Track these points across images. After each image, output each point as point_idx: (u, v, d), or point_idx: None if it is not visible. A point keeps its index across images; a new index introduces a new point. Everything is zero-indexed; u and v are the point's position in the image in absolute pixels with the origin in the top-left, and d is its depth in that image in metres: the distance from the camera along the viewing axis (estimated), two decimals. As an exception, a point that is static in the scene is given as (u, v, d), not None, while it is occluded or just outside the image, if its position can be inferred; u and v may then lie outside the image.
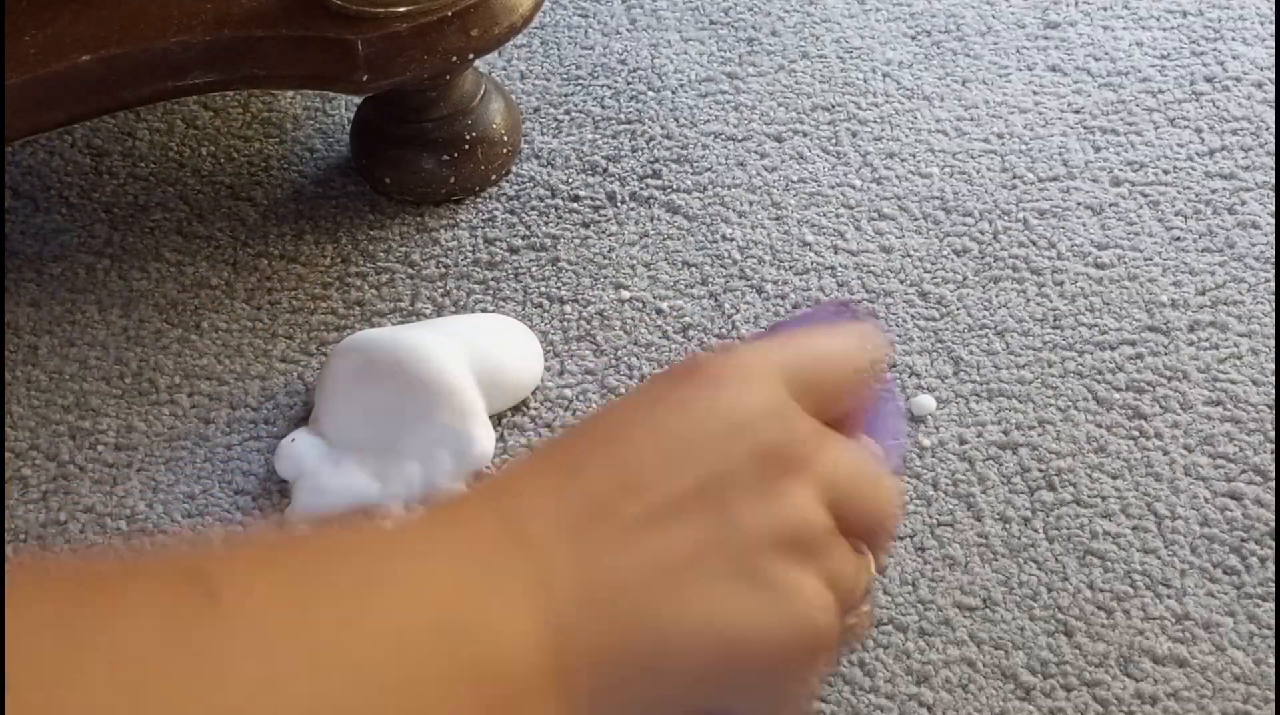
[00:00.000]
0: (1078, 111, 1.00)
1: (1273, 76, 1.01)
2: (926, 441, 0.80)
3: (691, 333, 0.87)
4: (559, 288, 0.90)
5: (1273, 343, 0.84)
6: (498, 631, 0.35)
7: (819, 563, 0.39)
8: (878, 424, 0.45)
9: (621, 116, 1.01)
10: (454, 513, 0.39)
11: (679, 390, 0.41)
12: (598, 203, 0.95)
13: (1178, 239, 0.91)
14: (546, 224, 0.94)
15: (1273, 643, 0.71)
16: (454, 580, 0.35)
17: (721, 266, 0.91)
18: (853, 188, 0.95)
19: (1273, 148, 0.96)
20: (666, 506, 0.38)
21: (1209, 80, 1.01)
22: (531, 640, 0.35)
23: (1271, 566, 0.74)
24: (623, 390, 0.84)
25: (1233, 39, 1.04)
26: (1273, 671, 0.70)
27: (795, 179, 0.96)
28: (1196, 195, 0.94)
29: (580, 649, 0.36)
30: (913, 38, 1.06)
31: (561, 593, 0.36)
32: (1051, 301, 0.87)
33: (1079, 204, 0.93)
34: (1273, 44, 1.04)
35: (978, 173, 0.96)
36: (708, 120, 1.00)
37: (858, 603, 0.41)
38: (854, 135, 0.99)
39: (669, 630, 0.37)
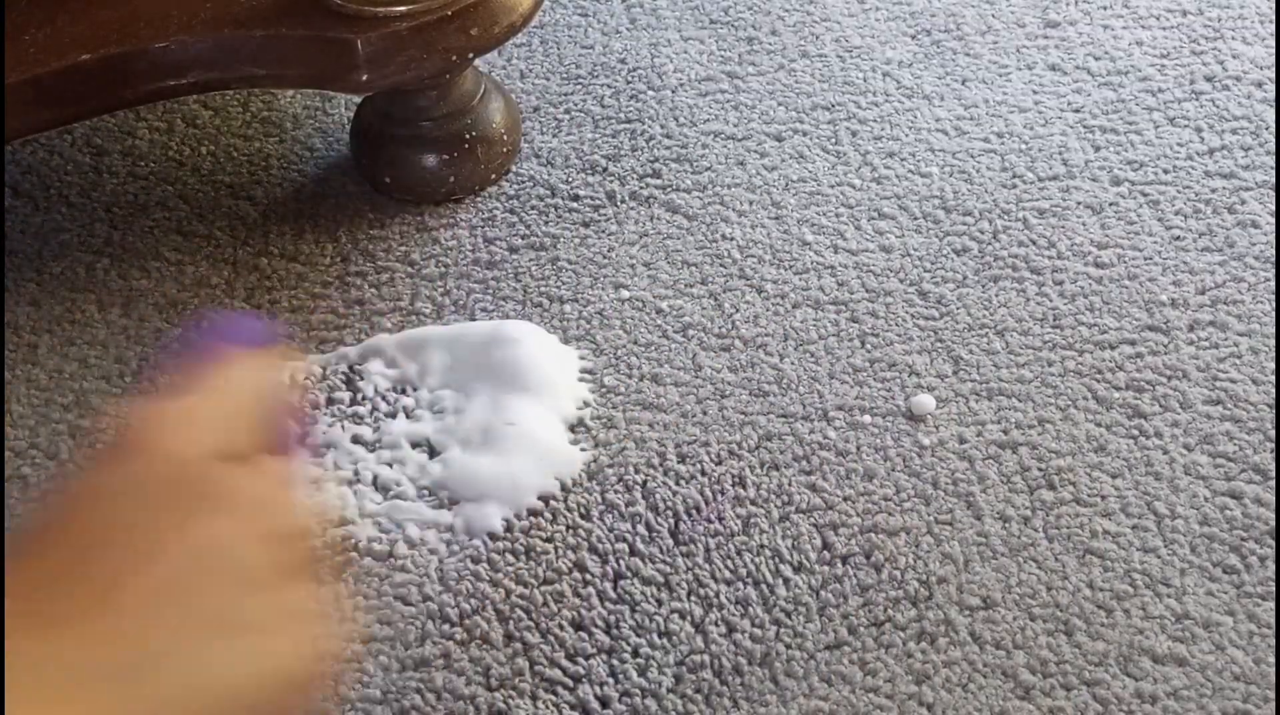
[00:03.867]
0: (1077, 110, 1.00)
1: (1273, 75, 1.01)
2: (926, 441, 0.80)
3: (691, 332, 0.87)
4: (559, 287, 0.90)
5: (1273, 342, 0.84)
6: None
7: (267, 596, 0.41)
8: (288, 438, 0.46)
9: (621, 116, 1.01)
10: None
11: (102, 495, 0.42)
12: (597, 202, 0.95)
13: (1177, 238, 0.91)
14: (546, 223, 0.94)
15: (1272, 642, 0.71)
16: None
17: (721, 266, 0.91)
18: (853, 187, 0.95)
19: (1273, 147, 0.96)
20: (175, 552, 0.40)
21: (1209, 79, 1.01)
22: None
23: (1271, 566, 0.74)
24: (621, 389, 0.84)
25: (1233, 38, 1.04)
26: (1272, 671, 0.70)
27: (795, 178, 0.96)
28: (1196, 194, 0.94)
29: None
30: (913, 37, 1.06)
31: (104, 670, 0.38)
32: (1051, 301, 0.87)
33: (1079, 203, 0.93)
34: (1273, 43, 1.04)
35: (977, 172, 0.96)
36: (708, 119, 1.00)
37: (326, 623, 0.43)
38: (854, 134, 0.99)
39: (208, 694, 0.39)
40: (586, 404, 0.83)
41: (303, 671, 0.41)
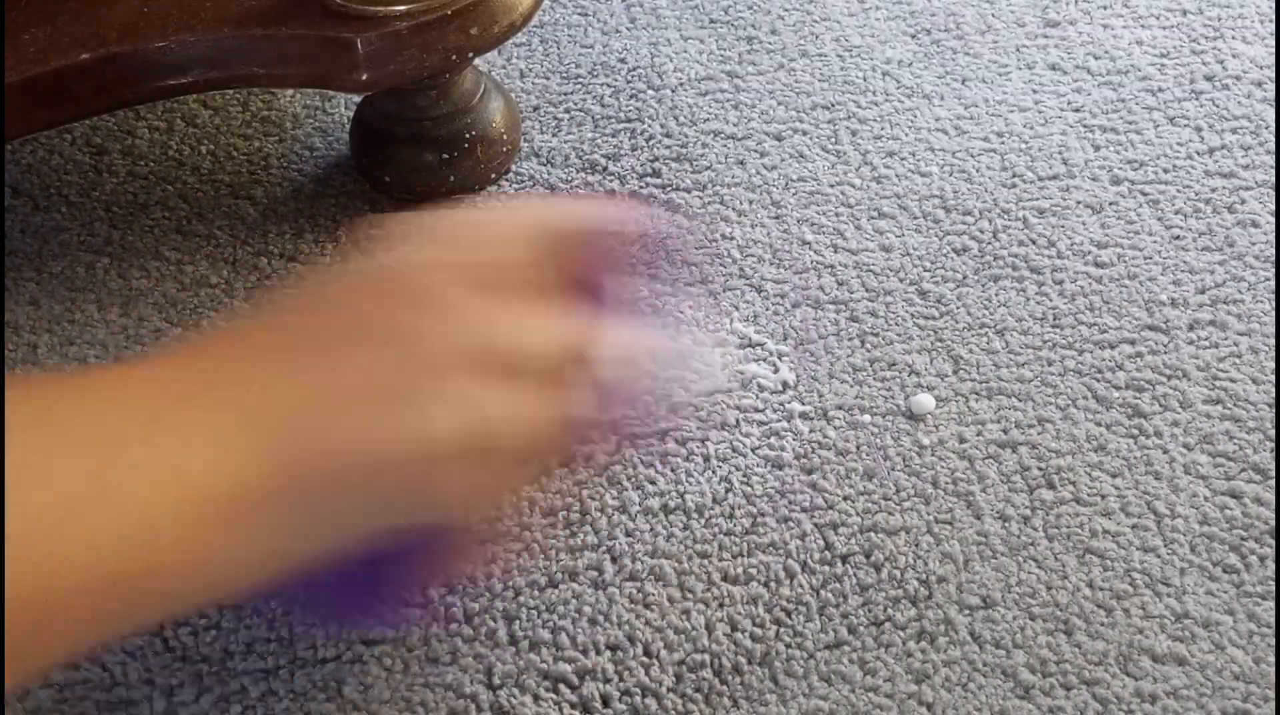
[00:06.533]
0: (1077, 110, 1.00)
1: (1273, 75, 1.01)
2: (926, 440, 0.80)
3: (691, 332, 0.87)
4: (559, 286, 0.90)
5: (1273, 341, 0.84)
6: (209, 451, 0.42)
7: (506, 382, 0.45)
8: (609, 302, 0.50)
9: (621, 115, 1.01)
10: (178, 355, 0.46)
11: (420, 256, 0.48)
12: (597, 201, 0.95)
13: (1177, 237, 0.91)
14: (546, 222, 0.94)
15: (1272, 641, 0.71)
16: (162, 410, 0.42)
17: (721, 265, 0.91)
18: (852, 186, 0.95)
19: (1273, 146, 0.96)
20: (369, 337, 0.45)
21: (1209, 79, 1.01)
22: (243, 457, 0.42)
23: (1271, 565, 0.74)
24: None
25: (1233, 37, 1.04)
26: (1272, 670, 0.70)
27: (795, 177, 0.96)
28: (1196, 194, 0.94)
29: (288, 465, 0.43)
30: (912, 36, 1.06)
31: (272, 418, 0.43)
32: (1051, 300, 0.87)
33: (1078, 202, 0.93)
34: (1273, 42, 1.04)
35: (977, 171, 0.96)
36: (707, 119, 1.00)
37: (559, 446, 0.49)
38: (854, 134, 0.99)
39: (358, 452, 0.44)
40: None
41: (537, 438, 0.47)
